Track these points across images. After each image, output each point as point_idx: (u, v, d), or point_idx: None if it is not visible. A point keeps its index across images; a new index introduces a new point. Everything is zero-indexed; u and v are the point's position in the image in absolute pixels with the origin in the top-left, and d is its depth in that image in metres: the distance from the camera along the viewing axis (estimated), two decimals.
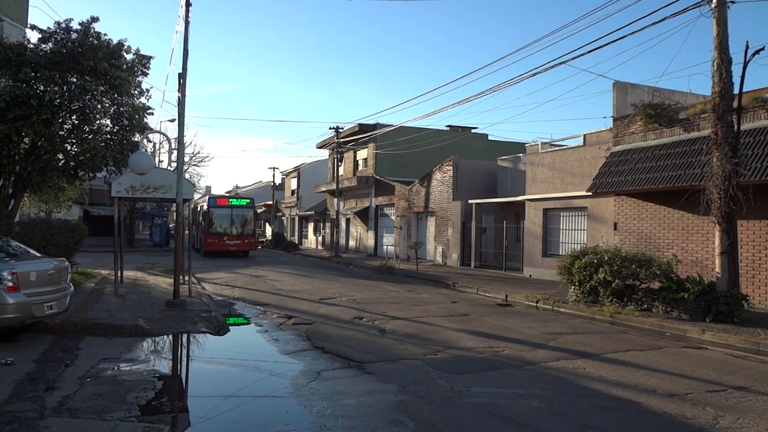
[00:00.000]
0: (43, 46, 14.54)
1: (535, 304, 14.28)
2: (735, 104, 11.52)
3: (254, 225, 34.86)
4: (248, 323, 11.33)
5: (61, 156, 15.11)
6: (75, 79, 14.48)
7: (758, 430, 5.47)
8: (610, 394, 6.60)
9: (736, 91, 11.46)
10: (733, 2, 11.50)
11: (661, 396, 6.55)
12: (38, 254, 9.92)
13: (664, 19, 11.91)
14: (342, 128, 35.61)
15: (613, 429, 5.43)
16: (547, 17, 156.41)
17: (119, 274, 14.16)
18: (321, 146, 43.40)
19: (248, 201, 35.30)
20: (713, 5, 11.43)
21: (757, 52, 11.01)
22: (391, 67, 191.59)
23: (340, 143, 35.60)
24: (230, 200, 35.20)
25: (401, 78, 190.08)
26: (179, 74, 12.98)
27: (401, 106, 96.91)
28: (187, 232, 29.22)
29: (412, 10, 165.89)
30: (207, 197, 36.88)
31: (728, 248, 11.39)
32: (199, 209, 38.89)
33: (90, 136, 14.96)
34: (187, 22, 12.71)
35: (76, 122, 15.35)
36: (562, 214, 20.52)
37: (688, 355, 9.04)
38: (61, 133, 15.07)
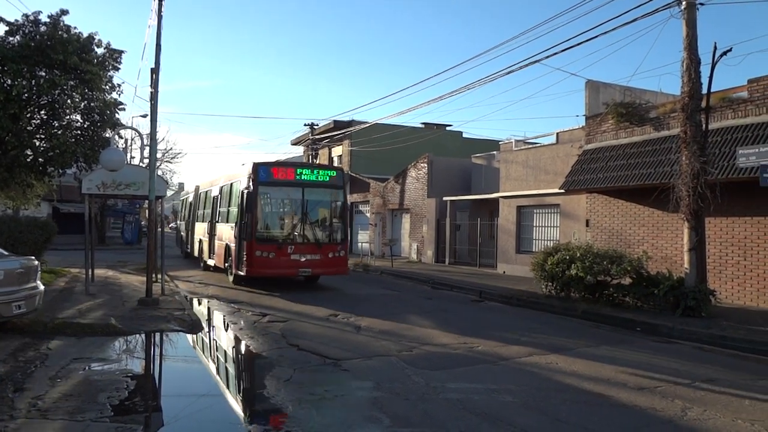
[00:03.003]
0: (11, 38, 14.21)
1: (508, 300, 14.42)
2: (703, 104, 11.77)
3: (346, 221, 17.62)
4: (222, 321, 11.24)
5: (29, 152, 14.81)
6: (44, 73, 14.19)
7: (724, 421, 5.61)
8: (582, 389, 6.71)
9: (704, 91, 11.71)
10: (702, 4, 11.75)
11: (632, 389, 6.69)
12: (6, 252, 9.70)
13: (635, 20, 12.10)
14: (317, 125, 35.45)
15: (585, 422, 5.53)
16: (520, 16, 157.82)
17: (90, 273, 13.92)
18: (296, 143, 43.17)
19: (334, 174, 16.78)
20: (683, 7, 11.66)
21: (725, 53, 11.26)
22: (367, 64, 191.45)
23: (315, 140, 35.43)
24: (300, 172, 16.32)
25: (377, 75, 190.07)
26: (152, 69, 12.78)
27: (376, 103, 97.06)
28: (176, 231, 24.91)
29: (388, 8, 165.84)
30: (249, 167, 16.17)
31: (696, 245, 11.65)
32: (223, 192, 19.29)
33: (59, 132, 14.69)
34: (159, 16, 12.52)
35: (45, 117, 15.07)
36: (535, 211, 20.75)
37: (658, 349, 9.23)
38: (30, 128, 14.78)
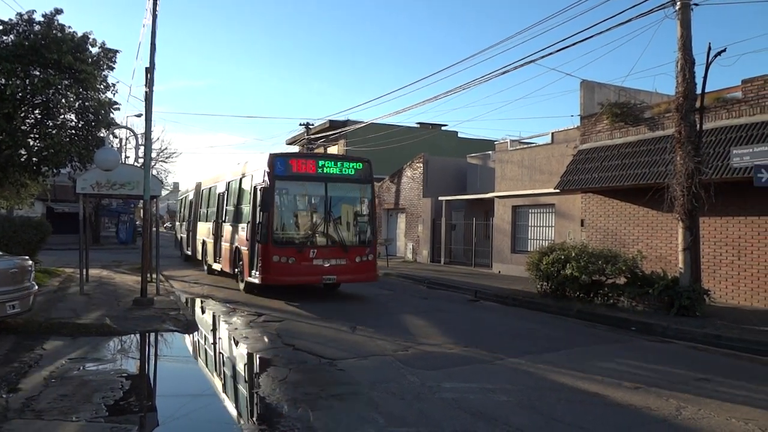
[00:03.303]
0: (5, 38, 14.16)
1: (504, 300, 14.44)
2: (698, 104, 11.81)
3: (375, 221, 15.24)
4: (218, 321, 11.22)
5: (23, 151, 14.74)
6: (38, 73, 14.14)
7: (719, 420, 5.64)
8: (577, 388, 6.73)
9: (699, 91, 11.74)
10: (696, 5, 11.79)
11: (626, 389, 6.71)
12: (0, 252, 9.66)
13: (630, 20, 12.13)
14: (312, 124, 35.41)
15: (580, 421, 5.54)
16: (515, 17, 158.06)
17: (84, 273, 13.87)
18: (291, 143, 43.10)
19: (360, 166, 14.70)
20: (677, 7, 11.69)
21: (719, 53, 11.29)
22: (362, 64, 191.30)
23: (311, 140, 35.40)
24: (322, 164, 14.24)
25: (372, 75, 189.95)
26: (146, 68, 12.75)
27: (372, 103, 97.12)
28: (175, 230, 23.84)
29: (383, 9, 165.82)
30: (264, 159, 14.10)
31: (691, 244, 11.69)
32: (230, 188, 17.44)
33: (54, 131, 14.65)
34: (154, 16, 12.49)
35: (39, 117, 15.01)
36: (530, 211, 20.79)
37: (653, 348, 9.26)
38: (24, 127, 14.72)
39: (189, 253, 24.02)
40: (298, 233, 13.84)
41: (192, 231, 23.51)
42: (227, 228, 16.84)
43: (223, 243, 17.08)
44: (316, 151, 36.84)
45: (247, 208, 15.02)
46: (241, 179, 16.06)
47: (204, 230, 20.46)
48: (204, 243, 20.07)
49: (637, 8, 12.05)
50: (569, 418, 5.62)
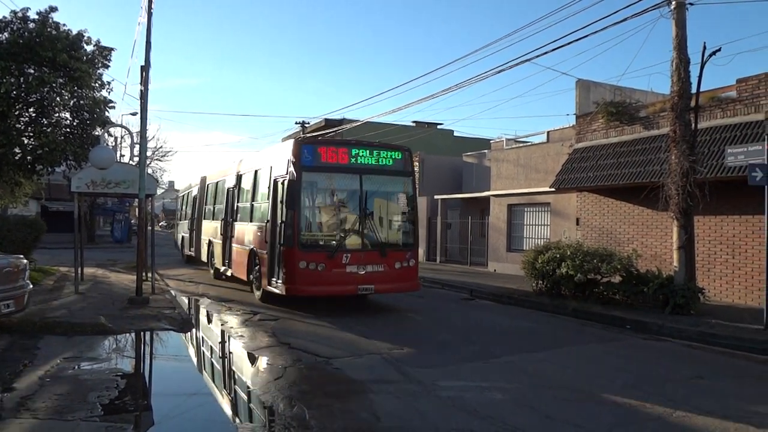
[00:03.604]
0: None
1: (499, 299, 14.47)
2: (693, 103, 11.84)
3: (416, 220, 13.03)
4: (213, 320, 11.21)
5: (17, 150, 14.65)
6: (32, 71, 14.06)
7: (712, 418, 5.66)
8: (572, 386, 6.75)
9: (693, 90, 11.78)
10: (691, 4, 11.82)
11: (622, 387, 6.73)
12: None
13: (625, 20, 12.14)
14: (308, 123, 35.35)
15: (575, 419, 5.56)
16: (511, 15, 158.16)
17: (79, 271, 13.83)
18: (286, 141, 43.03)
19: (399, 155, 12.54)
20: (672, 7, 11.72)
21: (714, 53, 11.33)
22: (358, 63, 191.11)
23: (306, 138, 35.33)
24: (357, 153, 12.08)
25: (369, 74, 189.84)
26: (142, 67, 12.71)
27: (368, 102, 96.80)
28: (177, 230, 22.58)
29: (380, 7, 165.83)
30: (288, 147, 12.10)
31: (685, 243, 11.73)
32: (243, 182, 15.45)
33: (48, 130, 14.56)
34: (149, 13, 12.44)
35: (34, 115, 14.92)
36: (526, 209, 20.82)
37: (647, 346, 9.30)
38: (18, 126, 14.63)
39: (192, 254, 21.96)
40: (329, 235, 11.86)
41: (195, 230, 21.37)
42: (240, 228, 14.86)
43: (234, 245, 15.17)
44: None
45: (264, 205, 13.01)
46: (256, 172, 14.11)
47: (210, 230, 18.60)
48: (210, 244, 18.30)
49: (632, 8, 12.05)
50: (564, 416, 5.64)
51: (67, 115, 15.44)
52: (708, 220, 13.52)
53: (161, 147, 46.55)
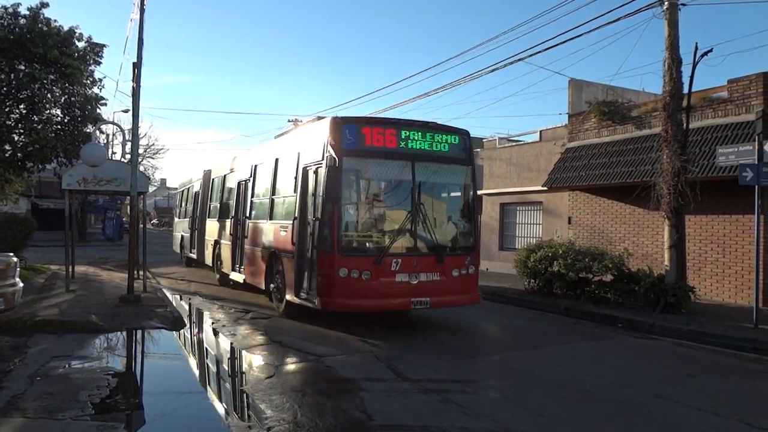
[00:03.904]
0: None
1: (491, 297, 14.50)
2: (684, 103, 11.91)
3: (476, 219, 11.64)
4: (205, 318, 11.18)
5: (8, 147, 14.57)
6: (23, 67, 14.00)
7: (703, 415, 5.70)
8: (564, 384, 6.77)
9: (685, 90, 11.84)
10: (684, 5, 11.89)
11: (613, 384, 6.77)
12: None
13: (618, 20, 12.21)
14: (301, 121, 35.13)
15: (566, 417, 5.58)
16: (506, 15, 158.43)
17: (70, 269, 13.75)
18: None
19: (457, 139, 10.39)
20: (665, 7, 11.78)
21: (706, 53, 11.39)
22: (352, 61, 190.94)
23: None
24: (407, 135, 9.80)
25: (362, 72, 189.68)
26: (134, 63, 12.62)
27: (361, 100, 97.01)
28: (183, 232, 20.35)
29: (374, 5, 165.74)
30: (323, 126, 9.83)
31: (677, 242, 11.80)
32: (260, 174, 13.30)
33: (39, 127, 14.49)
34: (142, 10, 12.37)
35: (25, 112, 14.84)
36: (518, 208, 20.88)
37: (639, 345, 9.35)
38: (8, 122, 14.55)
39: (193, 255, 19.67)
40: (375, 236, 9.65)
41: (198, 229, 19.10)
42: (256, 227, 12.67)
43: (247, 247, 13.09)
44: None
45: (289, 200, 10.92)
46: (276, 161, 12.00)
47: (216, 229, 16.40)
48: (217, 245, 16.12)
49: (625, 8, 12.15)
50: (555, 414, 5.66)
51: (58, 111, 15.38)
52: (699, 220, 13.60)
53: (153, 144, 46.53)
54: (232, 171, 15.76)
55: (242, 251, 13.56)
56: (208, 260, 17.40)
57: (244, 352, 8.27)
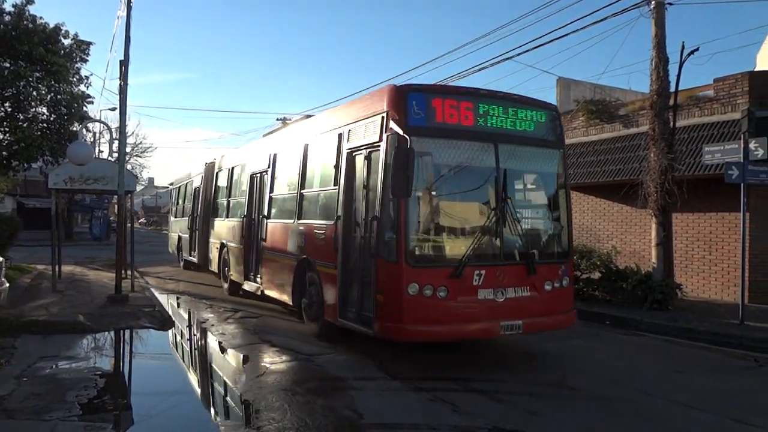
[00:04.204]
0: None
1: None
2: (671, 102, 12.00)
3: (569, 216, 8.50)
4: (194, 318, 11.12)
5: None
6: (8, 65, 13.86)
7: (691, 412, 5.75)
8: (553, 381, 6.80)
9: (672, 89, 11.93)
10: (671, 4, 11.97)
11: (602, 381, 6.81)
12: None
13: (605, 19, 12.29)
14: (290, 119, 35.13)
15: (556, 414, 5.61)
16: (493, 13, 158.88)
17: (57, 269, 13.63)
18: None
19: (544, 116, 8.01)
20: (652, 6, 11.85)
21: (692, 52, 11.49)
22: (341, 59, 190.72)
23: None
24: (486, 110, 7.49)
25: (349, 71, 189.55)
26: (121, 61, 12.52)
27: (349, 98, 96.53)
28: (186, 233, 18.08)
29: (362, 3, 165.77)
30: (380, 97, 7.59)
31: (664, 240, 11.90)
32: (280, 162, 11.20)
33: (24, 125, 14.36)
34: (129, 7, 12.26)
35: (10, 110, 14.69)
36: None
37: (627, 341, 9.42)
38: None
39: (193, 259, 17.53)
40: (452, 240, 7.45)
41: (199, 230, 16.92)
42: (279, 228, 10.59)
43: (266, 252, 11.04)
44: None
45: (328, 195, 8.87)
46: (306, 147, 9.84)
47: (223, 230, 14.43)
48: (224, 249, 13.99)
49: (612, 7, 12.23)
50: (547, 411, 5.69)
51: (44, 110, 15.25)
52: (686, 218, 13.71)
53: (141, 143, 46.16)
54: (242, 162, 13.69)
55: (259, 257, 11.52)
56: (213, 265, 15.38)
57: (233, 352, 8.24)
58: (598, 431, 5.32)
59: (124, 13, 12.35)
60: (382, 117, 7.32)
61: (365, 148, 7.77)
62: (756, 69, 17.56)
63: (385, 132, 7.20)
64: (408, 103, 7.13)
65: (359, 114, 8.13)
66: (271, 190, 11.25)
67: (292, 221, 9.91)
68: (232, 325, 10.05)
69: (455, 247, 7.32)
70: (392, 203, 7.03)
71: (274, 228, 10.90)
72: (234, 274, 13.06)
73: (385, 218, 7.08)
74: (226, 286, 13.74)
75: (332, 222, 8.29)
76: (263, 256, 11.22)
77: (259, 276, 11.53)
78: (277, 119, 35.60)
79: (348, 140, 8.25)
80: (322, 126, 9.64)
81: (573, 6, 18.48)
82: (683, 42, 11.48)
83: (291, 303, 9.90)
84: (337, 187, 8.37)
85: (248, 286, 12.03)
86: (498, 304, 7.14)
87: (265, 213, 11.27)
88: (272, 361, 7.59)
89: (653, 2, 11.80)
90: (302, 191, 9.81)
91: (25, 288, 13.19)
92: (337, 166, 8.49)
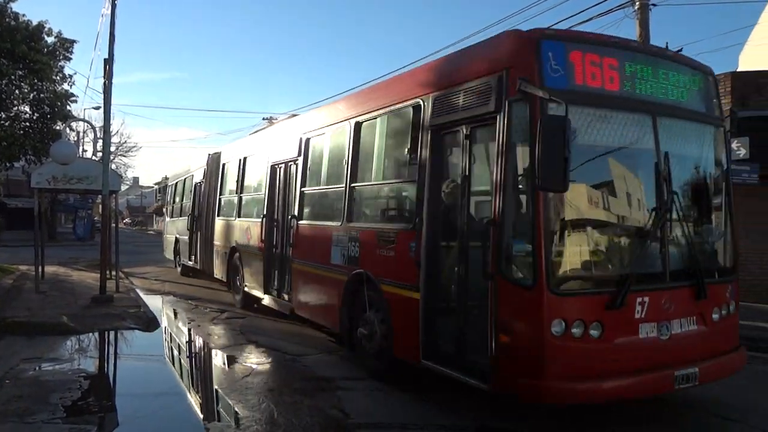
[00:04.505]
0: None
1: None
2: None
3: (732, 212, 6.06)
4: (180, 318, 11.05)
5: None
6: None
7: (677, 408, 5.80)
8: None
9: None
10: (654, 5, 12.12)
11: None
12: None
13: (590, 19, 12.39)
14: (275, 119, 35.01)
15: (551, 413, 5.63)
16: (480, 13, 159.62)
17: (40, 270, 13.47)
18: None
19: (699, 81, 5.82)
20: (636, 7, 11.98)
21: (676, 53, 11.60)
22: (329, 57, 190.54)
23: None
24: (633, 71, 5.16)
25: (336, 71, 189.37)
26: (105, 60, 12.42)
27: (338, 98, 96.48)
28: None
29: (349, 3, 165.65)
30: (496, 44, 5.41)
31: None
32: (315, 149, 8.81)
33: (6, 124, 14.20)
34: (113, 5, 12.17)
35: None
36: None
37: None
38: None
39: (193, 264, 15.53)
40: (605, 256, 5.23)
41: (201, 231, 14.80)
42: (316, 232, 8.37)
43: (297, 262, 8.87)
44: None
45: (395, 189, 7.11)
46: (358, 126, 7.49)
47: (234, 232, 12.15)
48: (235, 254, 11.85)
49: (597, 7, 12.32)
50: (541, 412, 5.70)
51: (27, 108, 15.10)
52: None
53: (125, 142, 45.89)
54: (258, 152, 11.45)
55: (288, 268, 9.34)
56: (218, 272, 13.30)
57: (219, 352, 8.19)
58: None
59: (109, 11, 12.27)
60: (500, 77, 5.11)
61: (465, 123, 5.60)
62: (738, 69, 17.78)
63: (507, 97, 5.01)
64: (543, 55, 4.90)
65: (452, 77, 5.90)
66: (303, 184, 8.98)
67: (338, 223, 7.60)
68: (219, 326, 10.00)
69: (610, 265, 5.21)
70: (519, 201, 5.02)
71: (308, 231, 8.67)
72: (250, 286, 10.96)
73: (509, 222, 4.96)
74: (237, 298, 11.77)
75: (408, 226, 6.20)
76: (293, 266, 9.03)
77: (287, 291, 9.42)
78: (263, 118, 35.40)
79: (432, 114, 5.99)
80: (383, 98, 7.17)
81: (559, 6, 18.62)
82: (666, 43, 11.66)
83: (337, 329, 7.73)
84: (414, 178, 6.19)
85: (271, 302, 9.94)
86: (662, 345, 5.06)
87: (296, 212, 9.02)
88: (259, 361, 7.56)
89: (637, 3, 11.92)
90: (353, 184, 7.42)
91: (8, 289, 13.04)
92: (413, 150, 6.32)
